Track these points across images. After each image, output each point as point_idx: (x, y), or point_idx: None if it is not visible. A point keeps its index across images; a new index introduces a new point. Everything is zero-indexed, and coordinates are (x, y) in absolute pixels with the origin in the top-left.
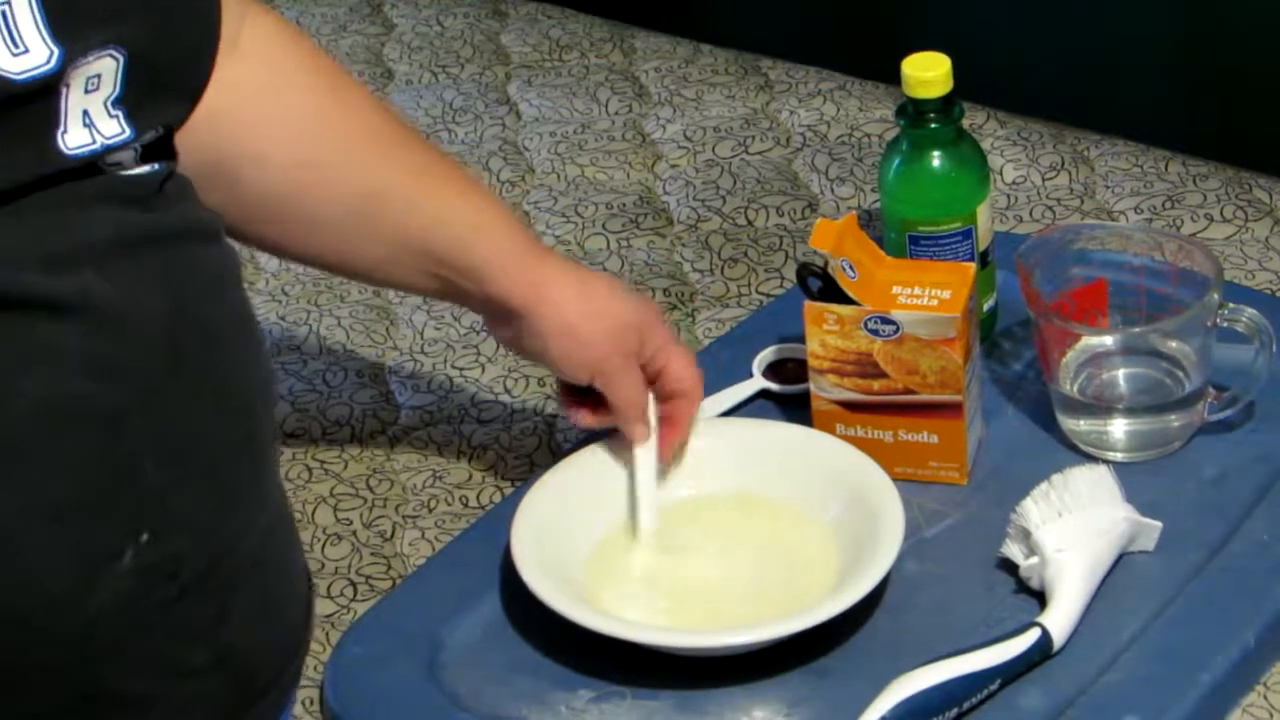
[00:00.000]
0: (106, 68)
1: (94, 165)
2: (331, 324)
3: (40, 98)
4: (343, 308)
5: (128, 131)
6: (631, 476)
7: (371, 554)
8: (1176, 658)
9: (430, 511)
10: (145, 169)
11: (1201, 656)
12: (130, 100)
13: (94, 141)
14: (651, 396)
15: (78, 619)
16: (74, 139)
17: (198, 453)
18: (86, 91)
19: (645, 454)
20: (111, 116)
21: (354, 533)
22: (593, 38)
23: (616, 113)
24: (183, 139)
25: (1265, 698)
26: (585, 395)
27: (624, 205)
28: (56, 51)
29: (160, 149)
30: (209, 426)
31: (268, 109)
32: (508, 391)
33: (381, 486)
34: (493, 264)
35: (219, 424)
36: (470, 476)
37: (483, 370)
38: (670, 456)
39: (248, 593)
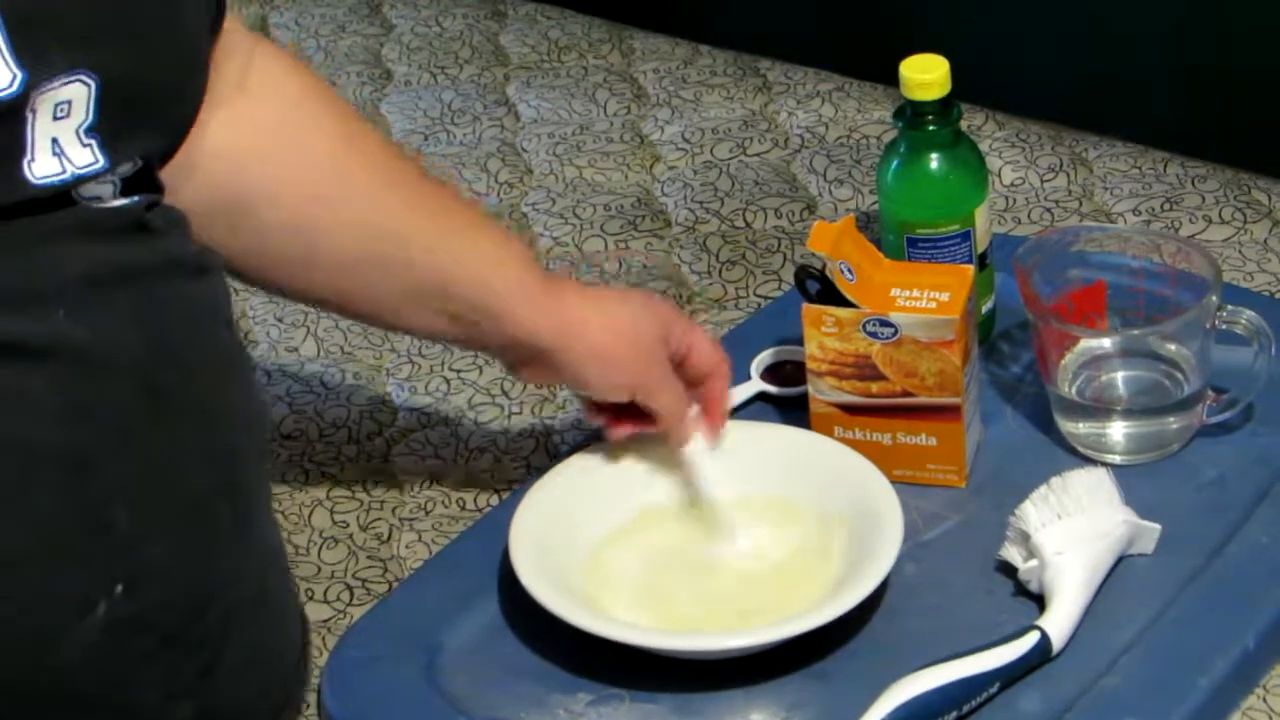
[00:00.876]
0: (76, 94)
1: (66, 196)
2: (329, 325)
3: (3, 123)
4: None
5: (102, 161)
6: (688, 477)
7: (368, 557)
8: (1176, 660)
9: (427, 514)
10: (123, 201)
11: (1201, 659)
12: (105, 129)
13: (64, 171)
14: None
15: (45, 673)
16: (42, 168)
17: (176, 499)
18: (55, 118)
19: (697, 450)
20: (84, 145)
21: (350, 536)
22: (591, 39)
23: (615, 114)
24: (192, 177)
25: (1264, 700)
26: (616, 407)
27: (622, 207)
28: (19, 75)
29: (143, 181)
30: (189, 471)
31: (279, 147)
32: (505, 394)
33: (379, 489)
34: (514, 304)
35: (200, 469)
36: (467, 479)
37: (480, 372)
38: (718, 438)
39: (235, 645)
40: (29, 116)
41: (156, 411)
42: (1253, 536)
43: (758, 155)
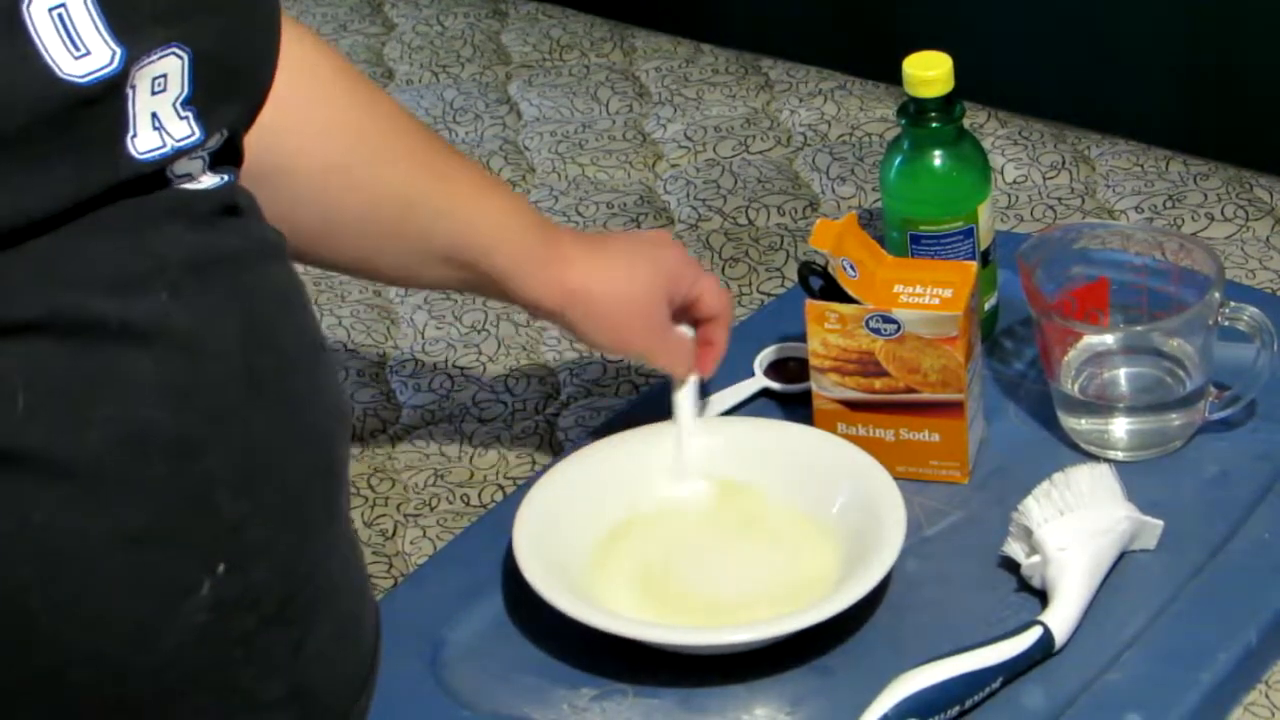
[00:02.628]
0: (172, 67)
1: (162, 176)
2: (332, 323)
3: (107, 100)
4: (344, 307)
5: (197, 133)
6: (675, 411)
7: (373, 553)
8: (1178, 656)
9: (432, 510)
10: (213, 181)
11: (1203, 655)
12: (199, 101)
13: (164, 145)
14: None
15: (155, 654)
16: (144, 143)
17: (275, 482)
18: (154, 93)
19: (686, 391)
20: (181, 118)
21: (355, 531)
22: (593, 37)
23: (617, 112)
24: None
25: (1267, 696)
26: None
27: (625, 205)
28: (119, 51)
29: (227, 155)
30: (286, 455)
31: (293, 119)
32: (509, 390)
33: (383, 485)
34: (515, 273)
35: (297, 452)
36: (472, 475)
37: (484, 369)
38: (710, 371)
39: (324, 623)
40: (129, 92)
41: (255, 395)
42: (1255, 533)
43: (760, 153)
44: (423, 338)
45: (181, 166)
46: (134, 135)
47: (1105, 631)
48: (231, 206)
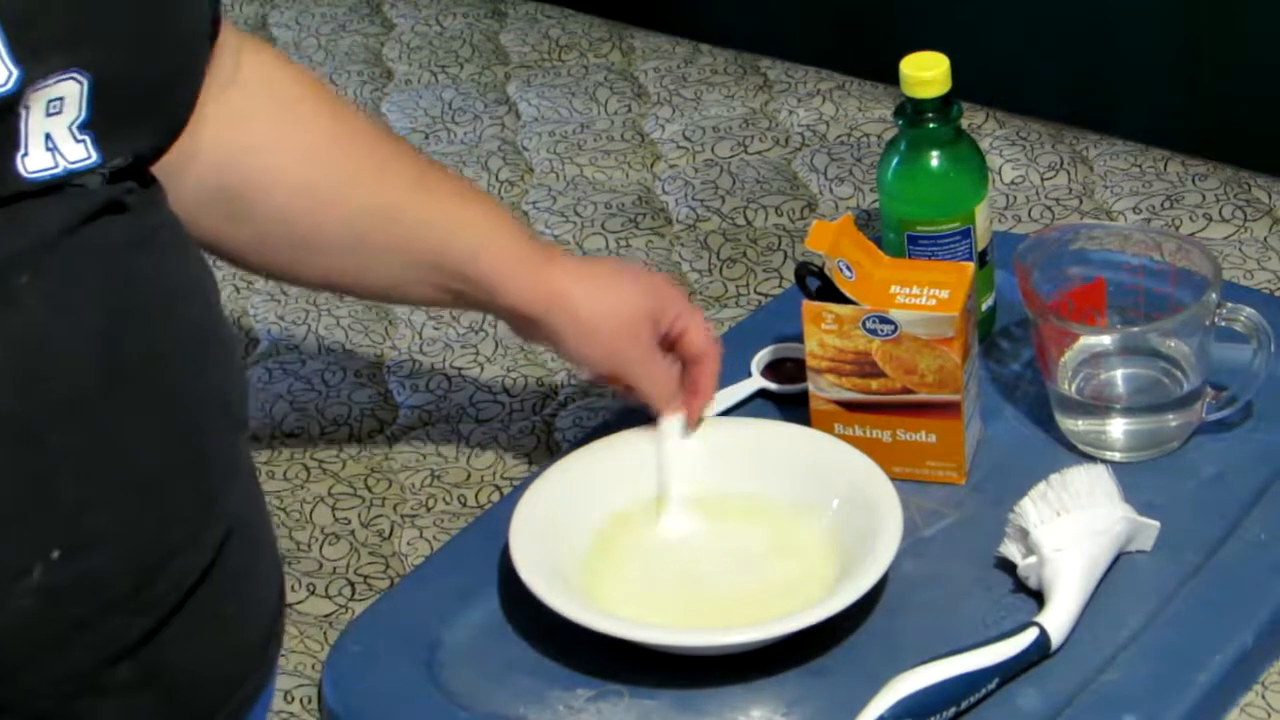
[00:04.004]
0: (69, 91)
1: (55, 186)
2: (330, 323)
3: None
4: (341, 307)
5: (94, 156)
6: (659, 447)
7: (370, 553)
8: (1174, 657)
9: (428, 511)
10: (98, 181)
11: (1199, 656)
12: (98, 126)
13: (56, 165)
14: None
15: None
16: (35, 162)
17: (128, 469)
18: (48, 114)
19: (671, 424)
20: (78, 141)
21: (352, 532)
22: (591, 38)
23: (615, 112)
24: (190, 167)
25: (1263, 697)
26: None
27: (623, 205)
28: (15, 73)
29: (132, 174)
30: (145, 443)
31: (271, 138)
32: (506, 391)
33: (380, 486)
34: (502, 275)
35: (158, 442)
36: (468, 476)
37: (481, 370)
38: (696, 422)
39: (190, 611)
40: (22, 113)
41: (113, 383)
42: (1251, 534)
43: (758, 153)
44: (420, 338)
45: (76, 180)
46: (24, 154)
47: (1102, 633)
48: (116, 204)
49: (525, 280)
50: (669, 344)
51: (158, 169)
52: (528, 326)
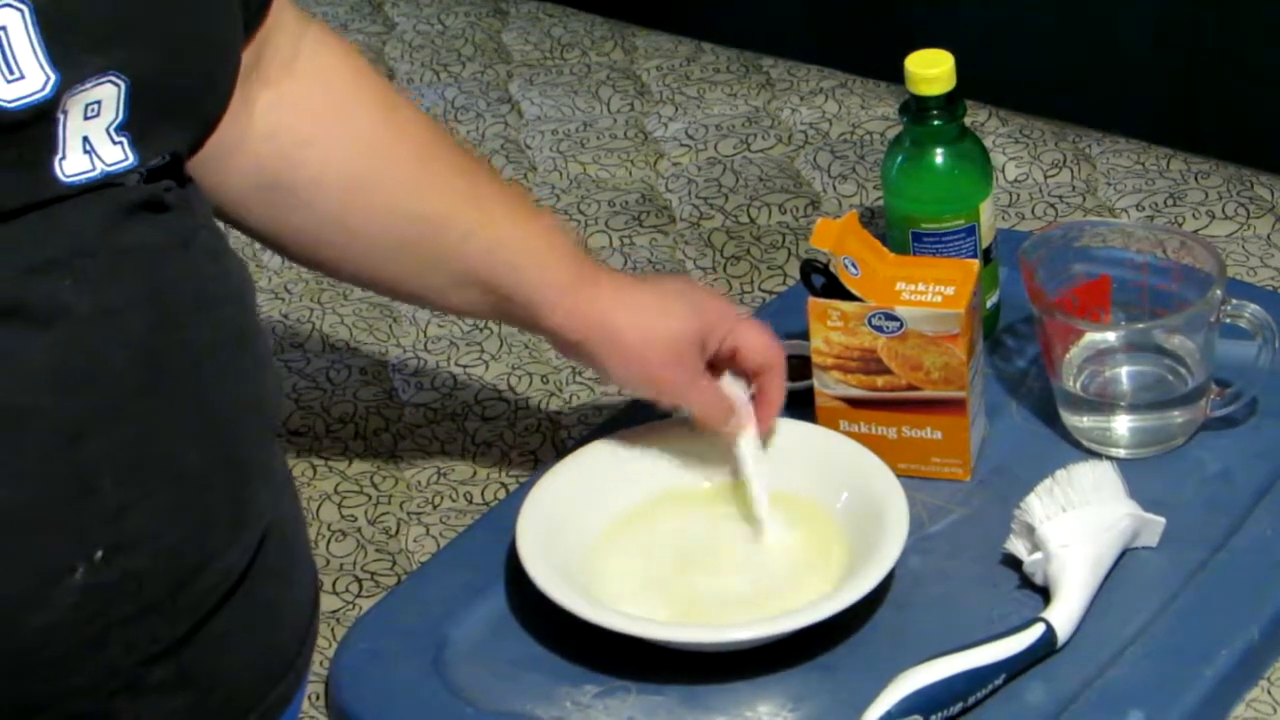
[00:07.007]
0: (106, 94)
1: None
2: (335, 321)
3: (36, 124)
4: (346, 305)
5: (131, 158)
6: (739, 469)
7: (376, 550)
8: (1180, 653)
9: (435, 508)
10: (137, 179)
11: (1205, 651)
12: (135, 128)
13: (94, 168)
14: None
15: (20, 633)
16: (72, 165)
17: (167, 471)
18: (86, 118)
19: (746, 441)
20: (115, 143)
21: (359, 529)
22: (594, 36)
23: (618, 111)
24: (238, 155)
25: (1269, 692)
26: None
27: (626, 203)
28: (53, 78)
29: (169, 172)
30: (184, 445)
31: (323, 133)
32: (512, 388)
33: (386, 483)
34: (543, 298)
35: (197, 443)
36: (475, 473)
37: (486, 367)
38: (767, 425)
39: (227, 612)
40: (60, 117)
41: (154, 385)
42: (1257, 530)
43: (761, 151)
44: (425, 336)
45: (114, 182)
46: (62, 158)
47: (1107, 628)
48: (156, 203)
49: (567, 304)
50: (724, 362)
51: (206, 156)
52: (571, 348)
